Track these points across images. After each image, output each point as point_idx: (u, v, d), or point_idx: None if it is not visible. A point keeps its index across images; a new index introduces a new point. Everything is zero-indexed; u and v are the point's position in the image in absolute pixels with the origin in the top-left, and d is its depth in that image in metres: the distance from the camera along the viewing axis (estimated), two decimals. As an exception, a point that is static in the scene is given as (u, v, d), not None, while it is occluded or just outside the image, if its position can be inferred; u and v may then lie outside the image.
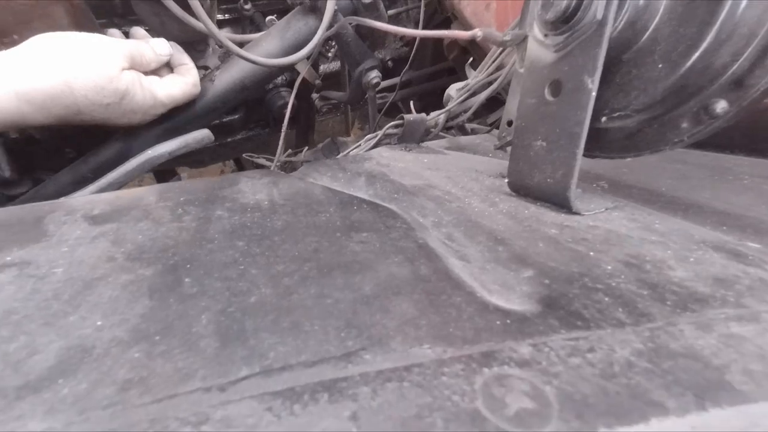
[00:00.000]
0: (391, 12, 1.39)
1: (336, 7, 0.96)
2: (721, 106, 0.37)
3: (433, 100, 1.99)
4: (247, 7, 1.29)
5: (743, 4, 0.36)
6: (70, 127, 0.95)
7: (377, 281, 0.32)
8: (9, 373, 0.23)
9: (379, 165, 0.71)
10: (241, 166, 1.75)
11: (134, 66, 0.85)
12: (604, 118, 0.44)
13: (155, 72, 0.94)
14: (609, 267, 0.33)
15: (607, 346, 0.24)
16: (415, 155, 0.80)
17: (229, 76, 1.06)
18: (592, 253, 0.36)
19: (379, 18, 1.03)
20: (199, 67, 1.17)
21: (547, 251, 0.37)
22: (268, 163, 1.25)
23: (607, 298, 0.29)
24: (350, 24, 0.97)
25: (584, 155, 0.44)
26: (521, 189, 0.51)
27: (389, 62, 1.66)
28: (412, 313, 0.28)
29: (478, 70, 0.92)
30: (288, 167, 1.33)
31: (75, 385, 0.22)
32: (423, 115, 0.93)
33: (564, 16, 0.39)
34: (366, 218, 0.46)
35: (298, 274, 0.33)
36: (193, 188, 0.52)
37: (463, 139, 0.95)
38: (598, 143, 0.48)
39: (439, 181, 0.62)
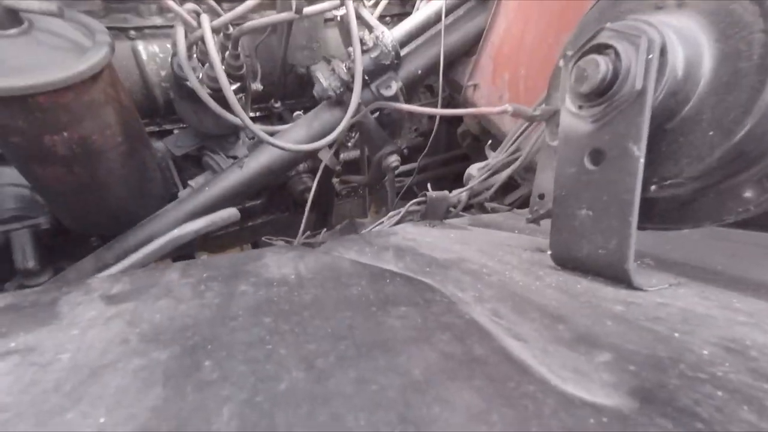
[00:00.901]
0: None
1: (360, 100, 1.04)
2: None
3: (447, 185, 2.05)
4: (277, 105, 1.41)
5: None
6: (101, 215, 0.97)
7: (426, 363, 0.27)
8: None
9: (405, 239, 0.69)
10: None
11: None
12: (653, 187, 0.42)
13: None
14: (705, 352, 0.28)
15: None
16: (441, 231, 0.78)
17: (257, 162, 1.11)
18: (676, 335, 0.30)
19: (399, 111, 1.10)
20: (229, 157, 1.24)
21: (619, 331, 0.32)
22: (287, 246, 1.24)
23: (720, 392, 0.23)
24: (374, 110, 1.04)
25: (634, 225, 0.41)
26: (568, 261, 0.47)
27: (405, 150, 1.76)
28: (478, 405, 0.23)
29: (498, 150, 0.94)
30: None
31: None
32: (446, 192, 0.94)
33: (600, 89, 0.40)
34: (401, 291, 0.42)
35: (333, 355, 0.28)
36: (216, 264, 0.49)
37: (485, 217, 0.94)
38: (648, 214, 0.45)
39: (471, 254, 0.59)
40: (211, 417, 0.22)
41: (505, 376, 0.26)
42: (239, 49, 0.98)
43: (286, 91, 1.43)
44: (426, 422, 0.21)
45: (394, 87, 1.11)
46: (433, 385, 0.24)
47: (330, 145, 1.11)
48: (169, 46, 1.17)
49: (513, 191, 1.20)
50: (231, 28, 0.93)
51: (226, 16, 0.90)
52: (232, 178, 1.08)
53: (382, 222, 0.94)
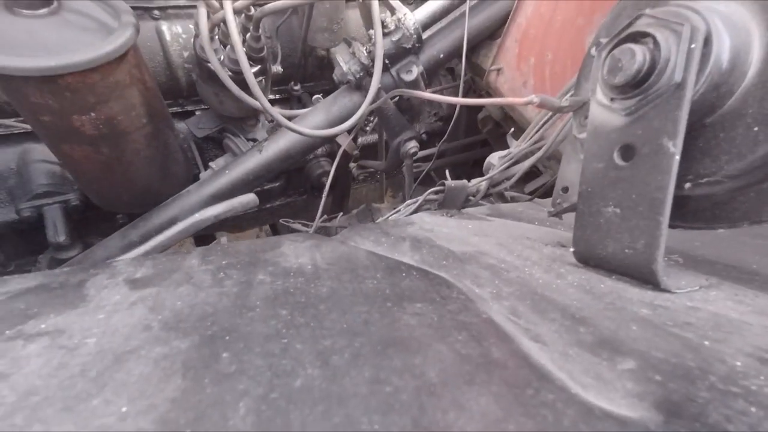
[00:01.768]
0: (428, 90, 1.47)
1: (380, 85, 1.02)
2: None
3: (466, 170, 2.02)
4: (297, 88, 1.40)
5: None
6: (126, 193, 1.00)
7: (443, 365, 0.27)
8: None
9: (422, 230, 0.68)
10: (276, 231, 1.77)
11: None
12: (688, 185, 0.40)
13: None
14: (738, 363, 0.26)
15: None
16: (458, 221, 0.77)
17: (276, 146, 1.12)
18: (706, 342, 0.29)
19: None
20: (248, 140, 1.25)
21: (645, 336, 0.31)
22: (304, 229, 1.25)
23: (753, 408, 0.22)
24: (394, 96, 1.02)
25: (664, 224, 0.39)
26: (591, 259, 0.45)
27: (424, 135, 1.73)
28: (495, 412, 0.22)
29: (520, 139, 0.91)
30: (322, 232, 1.33)
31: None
32: (464, 181, 0.92)
33: (634, 81, 0.37)
34: (417, 286, 0.42)
35: (348, 351, 0.28)
36: (235, 251, 0.50)
37: (504, 207, 0.92)
38: (680, 212, 0.43)
39: (490, 248, 0.58)
40: (228, 412, 0.22)
41: (523, 381, 0.26)
42: (260, 30, 0.97)
43: (306, 73, 1.42)
44: (440, 428, 0.21)
45: (415, 71, 1.09)
46: (448, 389, 0.24)
47: (348, 131, 1.10)
48: (192, 26, 1.17)
49: (534, 179, 1.17)
50: (253, 10, 0.92)
51: (248, -2, 0.89)
52: (252, 161, 1.09)
53: (399, 210, 0.93)
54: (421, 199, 0.91)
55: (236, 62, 0.90)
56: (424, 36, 1.12)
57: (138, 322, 0.32)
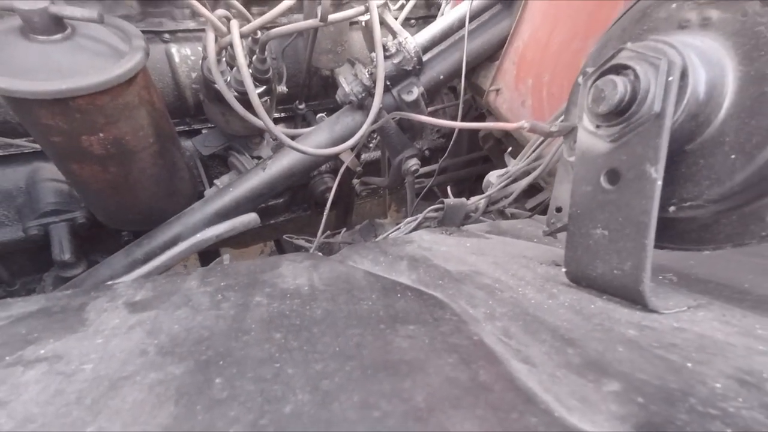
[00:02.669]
0: (430, 109, 1.50)
1: (381, 105, 1.05)
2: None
3: (468, 186, 2.04)
4: (301, 106, 1.44)
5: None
6: (133, 211, 1.02)
7: (430, 389, 0.28)
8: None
9: (420, 248, 0.69)
10: (280, 246, 1.79)
11: None
12: (672, 208, 0.41)
13: None
14: (718, 384, 0.27)
15: None
16: (457, 239, 0.78)
17: (279, 165, 1.14)
18: (689, 364, 0.30)
19: (420, 114, 1.10)
20: (253, 157, 1.28)
21: (630, 358, 0.31)
22: (307, 245, 1.27)
23: (729, 430, 0.23)
24: (393, 118, 1.04)
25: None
26: (582, 279, 0.46)
27: (426, 151, 1.75)
28: (478, 437, 0.23)
29: (518, 158, 0.93)
30: (325, 248, 1.34)
31: None
32: (463, 199, 0.93)
33: (617, 110, 0.39)
34: (411, 308, 0.43)
35: (339, 376, 0.29)
36: (235, 272, 0.51)
37: (504, 224, 0.93)
38: (668, 234, 0.43)
39: (486, 267, 0.58)
40: (220, 436, 0.23)
41: (509, 405, 0.26)
42: (266, 52, 1.00)
43: (310, 92, 1.46)
44: (423, 452, 0.22)
45: (416, 92, 1.11)
46: (435, 414, 0.25)
47: (351, 149, 1.13)
48: (200, 48, 1.21)
49: (535, 194, 1.18)
50: (259, 33, 0.95)
51: (255, 23, 0.92)
52: (255, 179, 1.11)
53: (399, 228, 0.94)
54: (420, 216, 0.92)
55: (242, 83, 0.93)
56: (425, 58, 1.15)
57: (135, 346, 0.34)
